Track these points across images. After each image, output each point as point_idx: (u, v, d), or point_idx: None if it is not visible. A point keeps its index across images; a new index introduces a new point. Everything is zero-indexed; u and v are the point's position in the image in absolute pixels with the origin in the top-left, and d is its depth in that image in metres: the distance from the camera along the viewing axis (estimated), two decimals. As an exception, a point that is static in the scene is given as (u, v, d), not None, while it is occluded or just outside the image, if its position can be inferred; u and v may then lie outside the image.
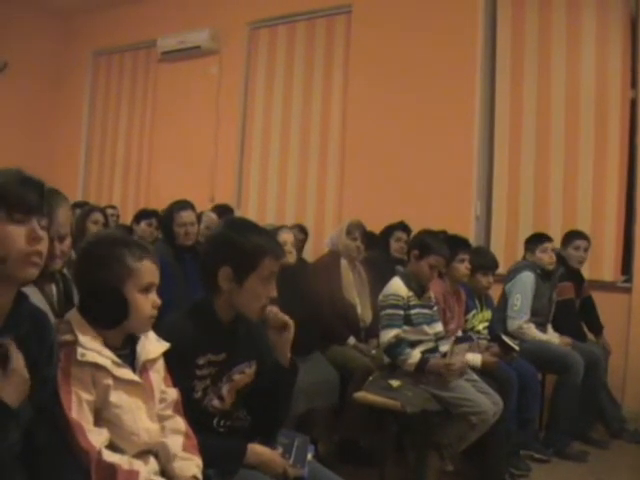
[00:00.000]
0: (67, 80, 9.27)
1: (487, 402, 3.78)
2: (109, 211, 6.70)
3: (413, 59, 6.40)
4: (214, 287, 2.29)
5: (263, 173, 7.49)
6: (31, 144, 7.85)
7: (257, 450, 2.29)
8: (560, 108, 5.85)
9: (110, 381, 1.89)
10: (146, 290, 1.98)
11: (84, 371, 1.86)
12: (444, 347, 4.04)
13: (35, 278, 1.65)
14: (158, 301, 2.02)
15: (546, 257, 5.04)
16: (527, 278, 4.99)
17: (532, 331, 4.91)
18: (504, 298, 5.04)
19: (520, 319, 4.91)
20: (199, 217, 5.17)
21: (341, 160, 6.90)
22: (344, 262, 4.90)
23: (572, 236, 5.30)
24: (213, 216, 6.12)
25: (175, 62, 8.14)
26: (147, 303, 1.98)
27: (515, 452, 4.37)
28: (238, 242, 2.27)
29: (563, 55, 5.86)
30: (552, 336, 5.04)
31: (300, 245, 5.96)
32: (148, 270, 1.99)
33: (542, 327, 5.03)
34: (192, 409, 2.18)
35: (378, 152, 6.53)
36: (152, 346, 2.06)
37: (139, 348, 2.03)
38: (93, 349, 1.88)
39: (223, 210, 6.08)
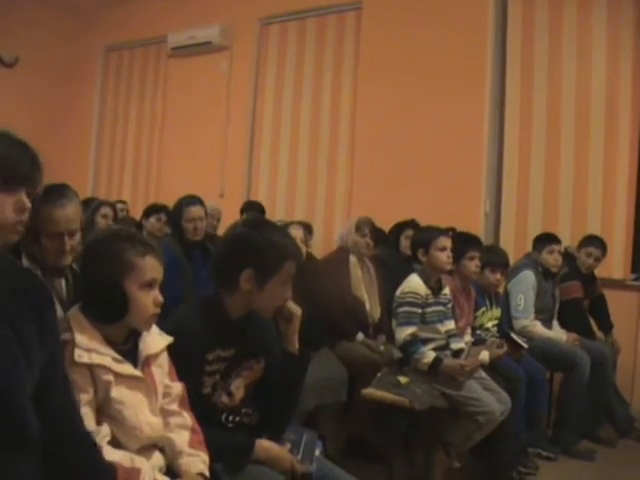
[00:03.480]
0: (78, 76, 9.29)
1: (495, 402, 3.78)
2: (119, 206, 6.73)
3: (423, 56, 6.39)
4: (232, 286, 2.28)
5: (272, 169, 7.49)
6: (42, 139, 7.72)
7: (265, 445, 2.29)
8: (570, 106, 5.84)
9: (111, 377, 1.89)
10: (148, 286, 1.97)
11: (81, 372, 1.86)
12: (455, 345, 4.04)
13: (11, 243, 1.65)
14: (160, 298, 2.00)
15: (551, 259, 5.02)
16: (528, 277, 4.98)
17: (538, 329, 4.91)
18: (507, 296, 5.04)
19: (525, 318, 4.91)
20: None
21: (350, 156, 6.90)
22: (353, 258, 4.90)
23: (588, 242, 5.28)
24: (216, 206, 6.14)
25: (185, 58, 8.15)
26: (148, 300, 1.97)
27: (523, 450, 4.37)
28: (262, 246, 2.25)
29: (573, 54, 5.84)
30: (558, 332, 5.03)
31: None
32: (150, 266, 1.98)
33: (547, 323, 5.03)
34: (201, 404, 2.18)
35: (387, 149, 6.53)
36: (154, 341, 2.06)
37: (141, 343, 2.03)
38: (91, 348, 1.88)
39: (253, 207, 6.05)
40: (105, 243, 2.01)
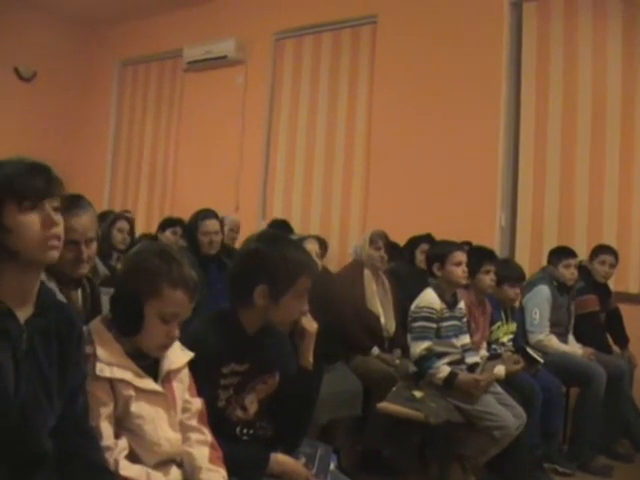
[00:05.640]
0: (94, 90, 9.36)
1: (510, 416, 3.76)
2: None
3: (438, 70, 6.40)
4: (246, 301, 2.28)
5: (288, 182, 7.50)
6: (58, 153, 7.90)
7: (280, 459, 2.28)
8: (586, 119, 5.82)
9: (132, 392, 1.90)
10: (166, 318, 1.95)
11: (101, 386, 1.87)
12: (470, 359, 4.03)
13: (56, 259, 1.65)
14: (175, 333, 1.98)
15: (567, 273, 5.01)
16: (542, 291, 4.97)
17: (553, 343, 4.89)
18: (522, 311, 5.02)
19: (540, 333, 4.90)
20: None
21: (366, 171, 6.90)
22: (367, 272, 4.90)
23: (599, 250, 5.27)
24: (235, 219, 6.14)
25: (201, 72, 8.18)
26: (161, 330, 1.95)
27: (539, 465, 4.35)
28: (276, 261, 2.25)
29: (589, 67, 5.82)
30: (574, 347, 5.01)
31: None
32: (177, 301, 1.95)
33: (563, 337, 5.01)
34: (215, 418, 2.18)
35: (403, 163, 6.53)
36: (176, 356, 2.06)
37: (163, 357, 2.03)
38: (112, 362, 1.89)
39: (280, 225, 6.05)
40: (145, 257, 2.00)
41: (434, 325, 3.89)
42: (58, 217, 1.64)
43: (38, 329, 1.67)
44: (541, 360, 4.43)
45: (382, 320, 4.83)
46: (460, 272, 3.99)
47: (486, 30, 6.19)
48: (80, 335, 1.82)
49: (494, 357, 4.31)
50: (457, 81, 6.29)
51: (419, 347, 3.86)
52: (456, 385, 3.76)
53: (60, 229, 1.64)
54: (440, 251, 4.10)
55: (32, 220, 1.59)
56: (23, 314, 1.64)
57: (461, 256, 4.01)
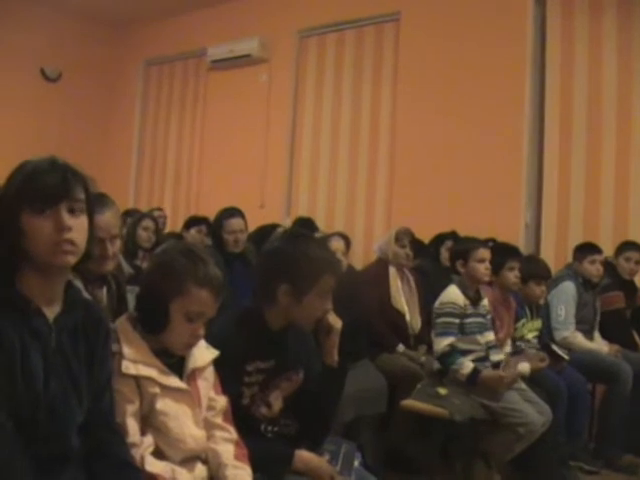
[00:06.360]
0: (119, 89, 9.42)
1: (535, 413, 3.75)
2: (156, 213, 6.77)
3: (462, 67, 6.37)
4: (270, 300, 2.30)
5: (312, 180, 7.51)
6: (84, 152, 7.93)
7: (304, 456, 2.29)
8: (611, 115, 5.77)
9: (157, 389, 1.92)
10: (191, 317, 1.96)
11: (127, 383, 1.89)
12: (494, 356, 4.02)
13: (71, 263, 1.65)
14: (201, 332, 2.00)
15: (593, 269, 4.97)
16: (568, 288, 4.94)
17: (579, 340, 4.86)
18: (547, 307, 4.99)
19: (566, 330, 4.87)
20: (270, 231, 5.24)
21: (390, 168, 6.89)
22: (392, 270, 4.90)
23: (625, 247, 5.22)
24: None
25: (225, 70, 8.21)
26: (186, 329, 1.97)
27: (564, 463, 4.32)
28: (298, 260, 2.26)
29: (614, 63, 5.76)
30: (600, 344, 4.98)
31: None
32: (202, 300, 1.96)
33: (588, 334, 4.98)
34: (240, 415, 2.20)
35: (427, 160, 6.52)
36: (201, 354, 2.08)
37: (188, 355, 2.05)
38: (138, 360, 1.92)
39: (304, 223, 6.07)
40: (171, 256, 2.02)
41: (457, 321, 3.88)
42: (73, 221, 1.63)
43: (66, 327, 1.70)
44: (566, 357, 4.41)
45: (407, 317, 4.83)
46: (483, 269, 3.97)
47: (510, 26, 6.16)
48: (107, 333, 1.85)
49: (517, 353, 4.29)
50: (481, 78, 6.26)
51: (442, 343, 3.85)
52: (479, 381, 3.75)
53: (74, 234, 1.62)
54: (463, 248, 4.10)
55: (44, 224, 1.60)
56: (51, 313, 1.67)
57: (484, 253, 4.00)
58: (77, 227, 1.64)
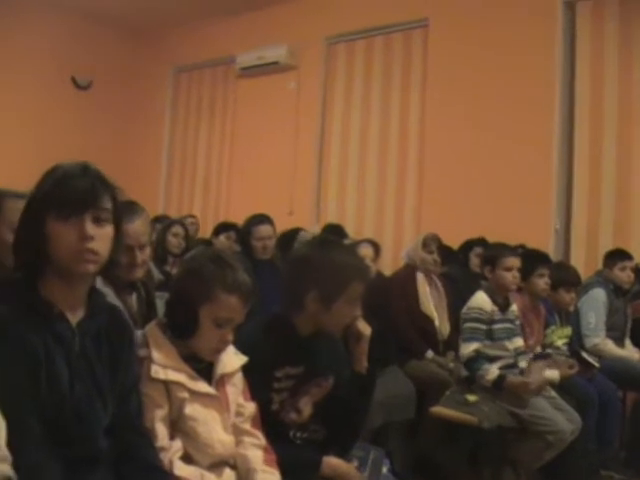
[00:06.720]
0: (149, 96, 9.49)
1: (564, 421, 3.73)
2: (188, 220, 6.83)
3: (490, 73, 6.35)
4: (299, 306, 2.31)
5: (341, 187, 7.51)
6: (114, 159, 8.01)
7: (332, 462, 2.30)
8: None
9: (186, 394, 1.94)
10: (220, 323, 1.98)
11: (156, 387, 1.91)
12: (523, 363, 4.00)
13: (93, 272, 1.67)
14: (229, 337, 2.01)
15: (624, 276, 4.93)
16: (598, 295, 4.90)
17: (609, 347, 4.82)
18: (577, 314, 4.96)
19: (596, 337, 4.83)
20: (293, 236, 5.25)
21: (419, 174, 6.88)
22: (420, 275, 4.90)
23: None
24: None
25: (254, 77, 8.24)
26: (215, 335, 1.98)
27: (595, 472, 4.29)
28: (326, 267, 2.27)
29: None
30: (631, 351, 4.94)
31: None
32: (231, 306, 1.97)
33: (619, 342, 4.94)
34: (269, 421, 2.21)
35: (456, 166, 6.49)
36: (230, 360, 2.09)
37: (217, 361, 2.06)
38: (167, 365, 1.93)
39: (333, 230, 6.08)
40: (200, 263, 2.03)
41: (484, 327, 3.87)
42: (97, 230, 1.65)
43: (89, 332, 1.72)
44: (596, 364, 4.38)
45: (436, 322, 4.83)
46: (510, 277, 3.96)
47: (539, 31, 6.13)
48: (131, 337, 1.88)
49: (539, 358, 4.25)
50: (510, 83, 6.23)
51: (468, 348, 3.85)
52: (505, 387, 3.74)
53: (96, 244, 1.64)
54: (492, 254, 4.09)
55: (68, 231, 1.61)
56: (74, 317, 1.70)
57: (512, 261, 3.98)
58: (100, 236, 1.65)
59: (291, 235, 5.50)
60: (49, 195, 1.63)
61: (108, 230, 1.68)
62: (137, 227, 2.50)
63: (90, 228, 1.63)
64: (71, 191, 1.63)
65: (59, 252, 1.62)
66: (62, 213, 1.61)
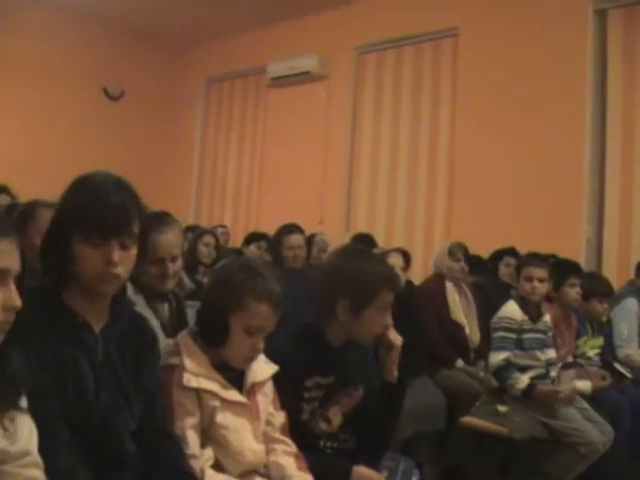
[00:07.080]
0: (180, 107, 9.57)
1: (597, 432, 3.70)
2: (219, 230, 6.87)
3: (521, 81, 6.33)
4: (329, 315, 2.32)
5: (371, 196, 7.51)
6: (145, 169, 8.10)
7: (362, 472, 2.28)
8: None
9: (217, 403, 1.95)
10: (251, 331, 1.99)
11: (188, 396, 1.93)
12: (554, 373, 3.98)
13: (112, 293, 1.72)
14: (260, 346, 2.02)
15: (657, 286, 4.90)
16: (631, 305, 4.86)
17: (642, 358, 4.78)
18: (609, 325, 4.91)
19: (628, 347, 4.78)
20: (309, 240, 5.24)
21: (449, 184, 6.86)
22: (449, 284, 4.89)
23: None
24: (325, 238, 6.18)
25: (284, 87, 8.28)
26: (246, 343, 1.99)
27: (628, 484, 4.25)
28: (356, 276, 2.27)
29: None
30: (664, 362, 4.89)
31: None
32: (261, 314, 1.98)
33: (653, 352, 4.89)
34: (299, 430, 2.22)
35: (487, 175, 6.47)
36: (260, 369, 2.10)
37: (248, 370, 2.07)
38: (199, 373, 1.95)
39: (363, 239, 6.08)
40: (231, 272, 2.05)
41: (513, 336, 3.86)
42: (123, 255, 1.67)
43: (112, 338, 1.75)
44: (629, 375, 4.34)
45: (467, 330, 4.82)
46: (528, 287, 3.97)
47: (570, 40, 6.09)
48: (154, 342, 1.90)
49: (567, 367, 4.21)
50: (540, 91, 6.20)
51: (497, 357, 3.84)
52: (535, 396, 3.72)
53: (120, 269, 1.66)
54: (519, 263, 4.11)
55: (94, 254, 1.64)
56: (98, 325, 1.73)
57: (533, 271, 3.97)
58: (125, 260, 1.68)
59: (307, 240, 5.49)
60: (78, 212, 1.66)
61: (133, 253, 1.72)
62: (169, 239, 2.52)
63: (116, 255, 1.65)
64: (101, 213, 1.64)
65: (83, 271, 1.65)
66: (90, 239, 1.64)
